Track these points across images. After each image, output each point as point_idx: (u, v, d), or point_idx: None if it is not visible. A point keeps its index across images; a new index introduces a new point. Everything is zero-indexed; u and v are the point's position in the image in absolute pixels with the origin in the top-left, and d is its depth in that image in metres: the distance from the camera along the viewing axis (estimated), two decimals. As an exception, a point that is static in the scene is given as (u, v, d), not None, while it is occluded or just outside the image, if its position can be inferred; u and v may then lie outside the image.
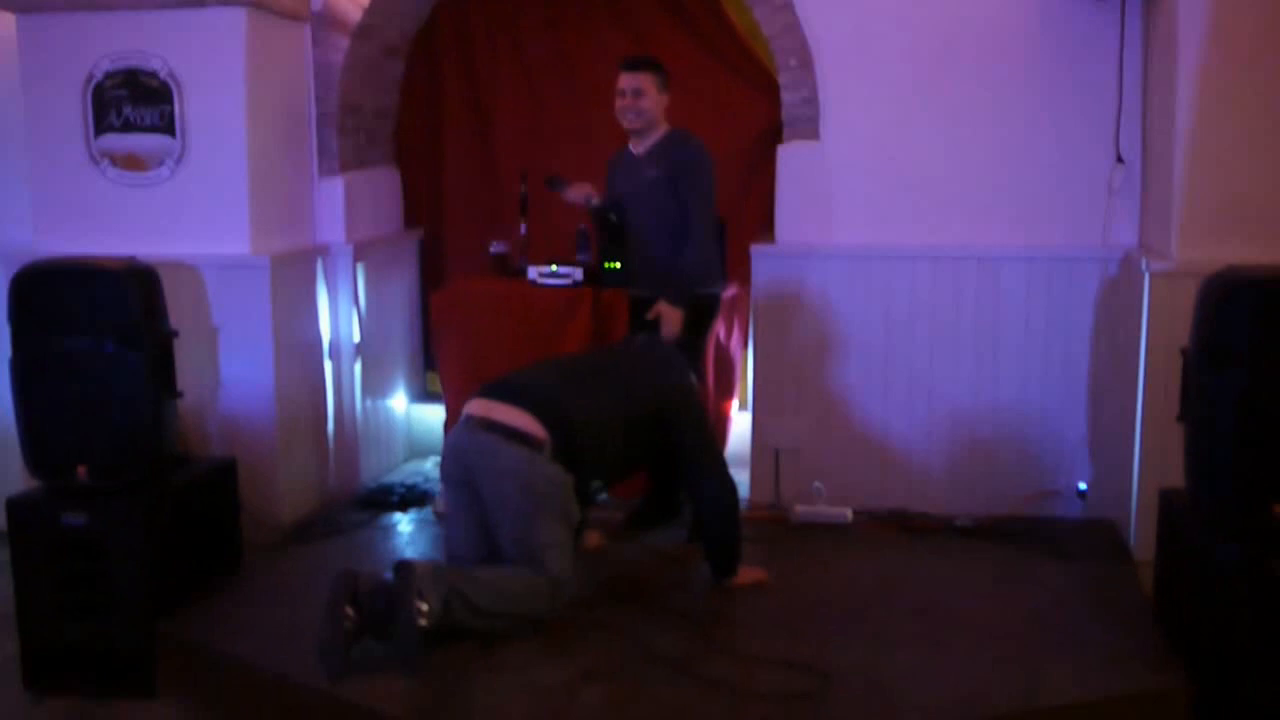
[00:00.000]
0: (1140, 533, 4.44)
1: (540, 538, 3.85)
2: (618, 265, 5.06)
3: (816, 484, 5.07)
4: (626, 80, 4.88)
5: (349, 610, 3.55)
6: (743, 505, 5.08)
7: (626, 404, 4.15)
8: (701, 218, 4.81)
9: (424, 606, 3.57)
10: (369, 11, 5.36)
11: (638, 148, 4.97)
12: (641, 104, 4.87)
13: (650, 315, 4.73)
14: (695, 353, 4.83)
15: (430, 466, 5.87)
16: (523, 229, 5.63)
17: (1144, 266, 4.41)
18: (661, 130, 4.94)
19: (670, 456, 4.29)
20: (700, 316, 4.87)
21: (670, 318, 4.71)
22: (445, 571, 3.75)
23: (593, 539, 4.71)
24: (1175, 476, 3.82)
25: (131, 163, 4.91)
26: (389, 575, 3.68)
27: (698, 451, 4.26)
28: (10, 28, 4.94)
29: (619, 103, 4.89)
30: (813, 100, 5.09)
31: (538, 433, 3.90)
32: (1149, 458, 4.41)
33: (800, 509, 5.06)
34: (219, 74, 4.83)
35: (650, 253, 4.92)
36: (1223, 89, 4.29)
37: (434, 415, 5.96)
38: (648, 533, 4.87)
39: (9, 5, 4.87)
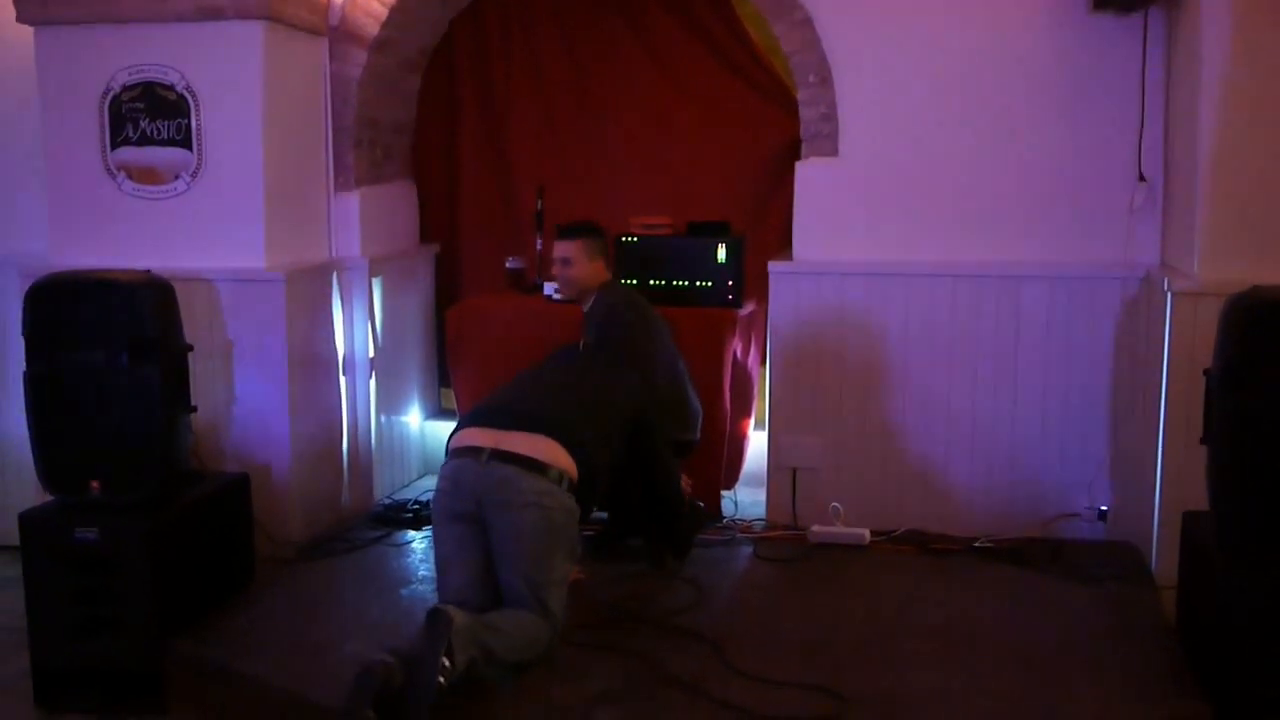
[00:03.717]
0: (1162, 556, 4.39)
1: (550, 574, 3.73)
2: None
3: (834, 504, 5.03)
4: (556, 248, 4.84)
5: (371, 715, 3.22)
6: (760, 525, 5.12)
7: (618, 421, 4.12)
8: (660, 364, 4.66)
9: (447, 663, 3.31)
10: (386, 25, 5.35)
11: (583, 306, 4.91)
12: (569, 273, 4.83)
13: None
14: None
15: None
16: (538, 245, 5.61)
17: (1166, 286, 4.36)
18: (594, 293, 4.84)
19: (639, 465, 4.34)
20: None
21: None
22: (479, 629, 3.47)
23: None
24: (1198, 499, 3.78)
25: (148, 176, 4.91)
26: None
27: (665, 458, 4.39)
28: (28, 40, 4.93)
29: (553, 270, 4.85)
30: (831, 116, 5.07)
31: (558, 460, 3.79)
32: (1171, 480, 4.36)
33: (817, 529, 5.01)
34: (236, 87, 4.82)
35: None
36: (1246, 106, 4.25)
37: (448, 432, 5.89)
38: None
39: (27, 18, 4.88)
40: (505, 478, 3.75)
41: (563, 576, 3.78)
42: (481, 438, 3.88)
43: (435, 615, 3.38)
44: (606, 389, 4.24)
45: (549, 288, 5.35)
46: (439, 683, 3.28)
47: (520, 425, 3.88)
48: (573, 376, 4.32)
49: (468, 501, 3.80)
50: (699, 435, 4.91)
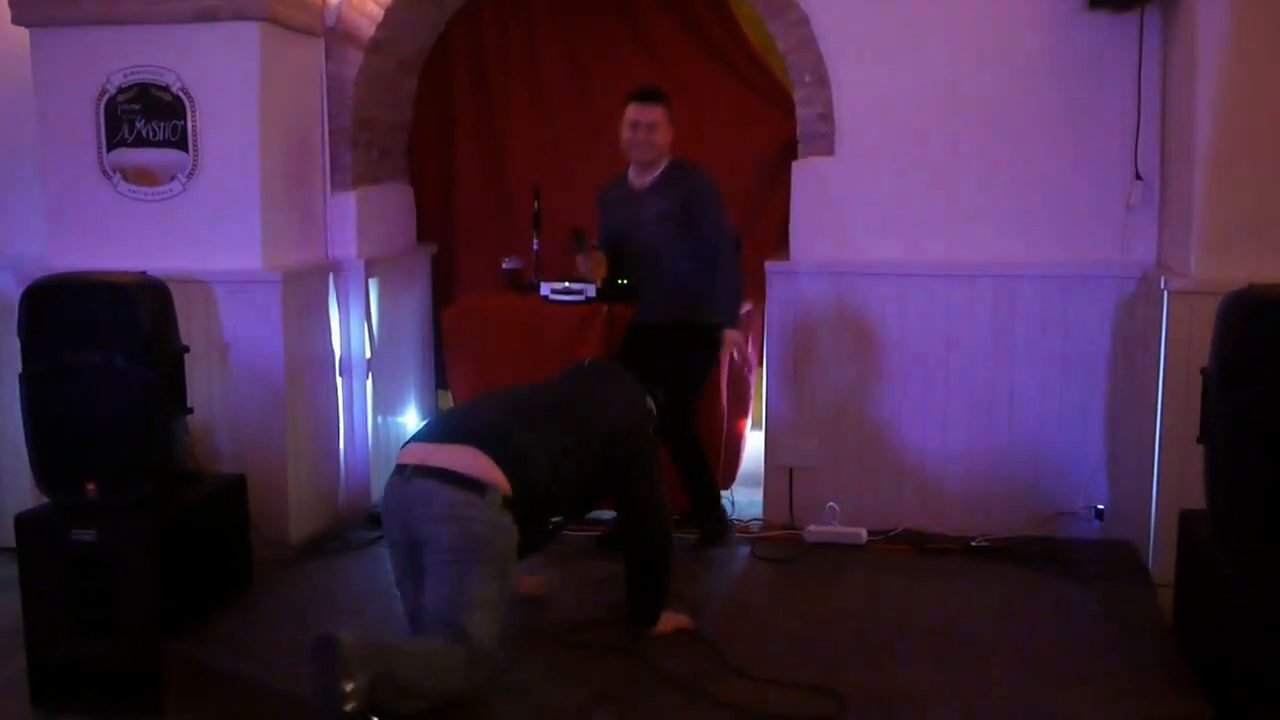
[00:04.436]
0: (1159, 554, 4.39)
1: (469, 592, 3.39)
2: (626, 282, 5.02)
3: (831, 504, 5.03)
4: (639, 113, 4.74)
5: (349, 687, 3.08)
6: (757, 525, 5.11)
7: (583, 434, 3.84)
8: (726, 239, 4.78)
9: (349, 687, 3.06)
10: (382, 26, 5.35)
11: (640, 180, 4.83)
12: (654, 138, 4.75)
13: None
14: (697, 381, 4.83)
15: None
16: (535, 245, 5.61)
17: (1163, 284, 4.37)
18: (664, 162, 4.84)
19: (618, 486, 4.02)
20: (709, 346, 4.77)
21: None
22: (376, 649, 3.20)
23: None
24: (1195, 498, 3.79)
25: (144, 177, 4.90)
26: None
27: (642, 487, 3.99)
28: (24, 42, 4.93)
29: (630, 135, 4.75)
30: (828, 116, 5.07)
31: (484, 473, 3.51)
32: (1168, 479, 4.36)
33: (814, 529, 5.01)
34: (232, 88, 4.81)
35: (672, 284, 4.82)
36: (1243, 105, 4.25)
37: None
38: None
39: (22, 20, 4.87)
40: (424, 493, 3.53)
41: (489, 599, 3.43)
42: (412, 454, 3.67)
43: (319, 644, 3.13)
44: (581, 399, 4.03)
45: (546, 288, 5.35)
46: (347, 710, 3.06)
47: (449, 438, 3.67)
48: (537, 389, 4.11)
49: (396, 521, 3.61)
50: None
